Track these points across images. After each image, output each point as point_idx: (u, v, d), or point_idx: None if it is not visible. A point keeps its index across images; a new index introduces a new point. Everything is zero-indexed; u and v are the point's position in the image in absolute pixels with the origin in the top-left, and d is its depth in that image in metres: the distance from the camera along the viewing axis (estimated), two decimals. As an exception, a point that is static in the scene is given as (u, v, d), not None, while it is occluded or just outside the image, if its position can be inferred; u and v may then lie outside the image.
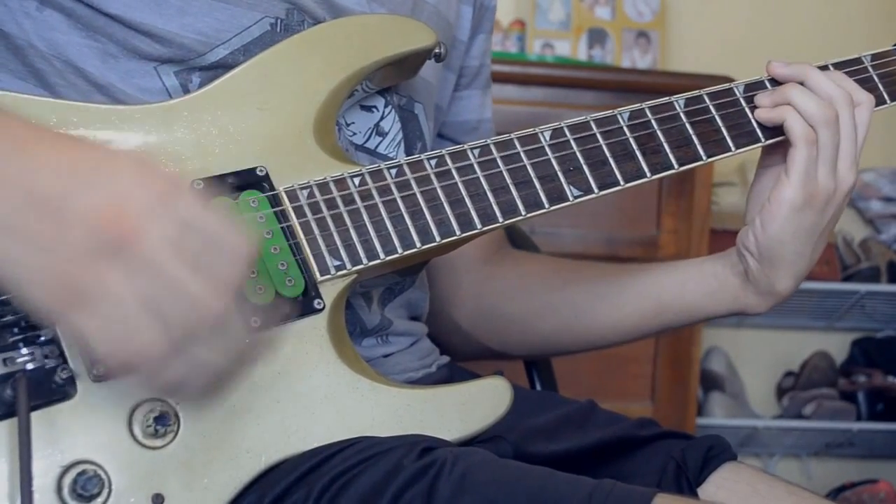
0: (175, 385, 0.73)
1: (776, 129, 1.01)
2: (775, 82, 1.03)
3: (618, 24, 2.87)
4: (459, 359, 1.15)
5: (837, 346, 3.06)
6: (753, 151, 1.05)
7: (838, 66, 1.06)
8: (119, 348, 0.70)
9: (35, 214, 0.69)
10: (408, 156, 0.97)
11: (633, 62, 2.86)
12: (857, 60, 1.08)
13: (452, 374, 1.08)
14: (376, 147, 1.01)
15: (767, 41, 2.99)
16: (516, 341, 1.20)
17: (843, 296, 2.87)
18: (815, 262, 1.05)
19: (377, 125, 1.01)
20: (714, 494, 0.99)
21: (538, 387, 1.33)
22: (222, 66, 0.90)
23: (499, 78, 2.32)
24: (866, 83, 1.06)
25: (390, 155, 1.01)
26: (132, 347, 0.69)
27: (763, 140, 1.02)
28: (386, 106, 1.02)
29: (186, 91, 0.90)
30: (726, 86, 1.02)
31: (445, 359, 1.11)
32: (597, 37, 2.87)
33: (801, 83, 1.01)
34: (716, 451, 1.02)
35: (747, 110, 1.02)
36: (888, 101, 1.08)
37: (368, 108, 1.01)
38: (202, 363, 0.72)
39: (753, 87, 1.03)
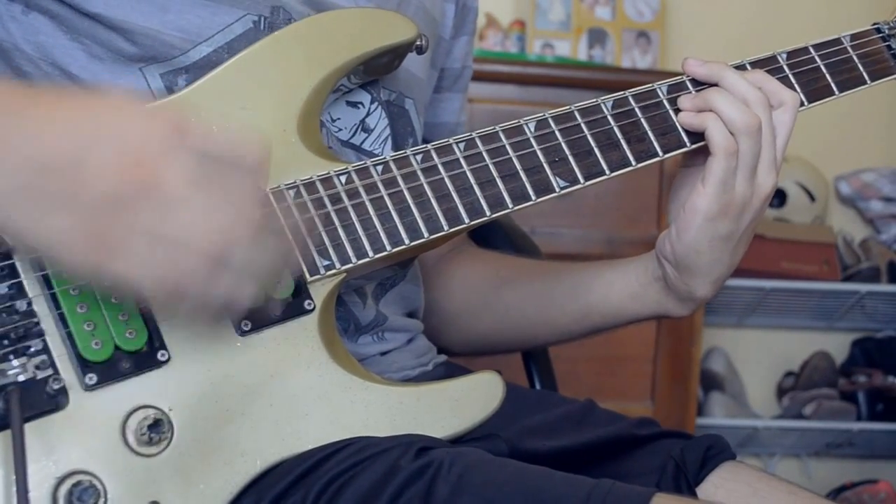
0: (227, 300, 0.75)
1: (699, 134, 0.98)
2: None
3: (618, 24, 2.87)
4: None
5: (837, 346, 3.06)
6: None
7: (756, 64, 1.03)
8: (164, 279, 0.72)
9: (51, 179, 0.70)
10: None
11: (634, 62, 2.86)
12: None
13: (450, 373, 1.08)
14: (362, 143, 1.00)
15: (768, 41, 2.96)
16: (455, 338, 1.19)
17: (843, 296, 2.86)
18: (734, 266, 1.02)
19: (363, 121, 1.00)
20: (713, 494, 0.98)
21: (538, 386, 1.33)
22: (208, 65, 0.90)
23: (499, 78, 2.32)
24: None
25: (376, 151, 1.01)
26: (177, 275, 0.72)
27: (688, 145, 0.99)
28: (372, 102, 1.01)
29: (171, 93, 0.89)
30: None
31: (443, 357, 1.10)
32: (597, 37, 2.86)
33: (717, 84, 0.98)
34: (714, 451, 1.02)
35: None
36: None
37: (354, 105, 1.00)
38: (248, 271, 0.74)
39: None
